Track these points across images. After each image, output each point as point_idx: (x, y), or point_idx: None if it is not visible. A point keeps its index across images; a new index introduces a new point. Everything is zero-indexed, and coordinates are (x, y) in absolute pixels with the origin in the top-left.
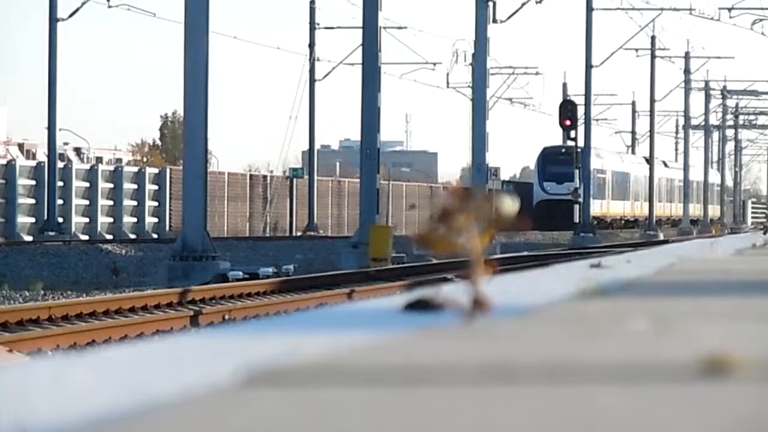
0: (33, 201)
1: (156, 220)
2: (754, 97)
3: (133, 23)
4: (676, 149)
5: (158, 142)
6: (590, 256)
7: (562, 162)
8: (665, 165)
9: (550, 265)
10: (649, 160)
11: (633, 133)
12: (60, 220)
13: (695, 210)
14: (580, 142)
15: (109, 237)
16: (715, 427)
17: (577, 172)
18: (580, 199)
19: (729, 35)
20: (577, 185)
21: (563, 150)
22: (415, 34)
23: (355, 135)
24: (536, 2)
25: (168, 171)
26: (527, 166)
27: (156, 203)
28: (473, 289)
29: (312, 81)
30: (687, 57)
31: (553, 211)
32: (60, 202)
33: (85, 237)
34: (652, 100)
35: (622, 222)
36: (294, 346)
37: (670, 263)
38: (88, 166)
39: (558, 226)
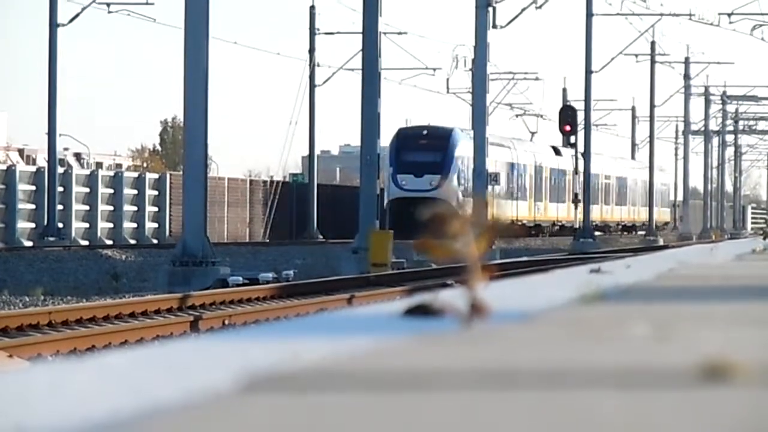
0: (33, 206)
1: (156, 225)
2: (753, 102)
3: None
4: (676, 155)
5: (158, 147)
6: (590, 262)
7: (423, 148)
8: (557, 152)
9: (549, 271)
10: (650, 167)
11: (633, 138)
12: (60, 225)
13: (639, 214)
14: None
15: (109, 242)
16: (715, 431)
17: (444, 161)
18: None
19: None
20: (448, 178)
21: (424, 132)
22: (415, 40)
23: (355, 140)
24: (536, 8)
25: (168, 176)
26: None
27: (156, 208)
28: (472, 294)
29: (312, 86)
30: (687, 62)
31: (412, 214)
32: (60, 207)
33: (85, 242)
34: (652, 106)
35: (556, 228)
36: (294, 352)
37: (669, 268)
38: (88, 172)
39: (418, 233)
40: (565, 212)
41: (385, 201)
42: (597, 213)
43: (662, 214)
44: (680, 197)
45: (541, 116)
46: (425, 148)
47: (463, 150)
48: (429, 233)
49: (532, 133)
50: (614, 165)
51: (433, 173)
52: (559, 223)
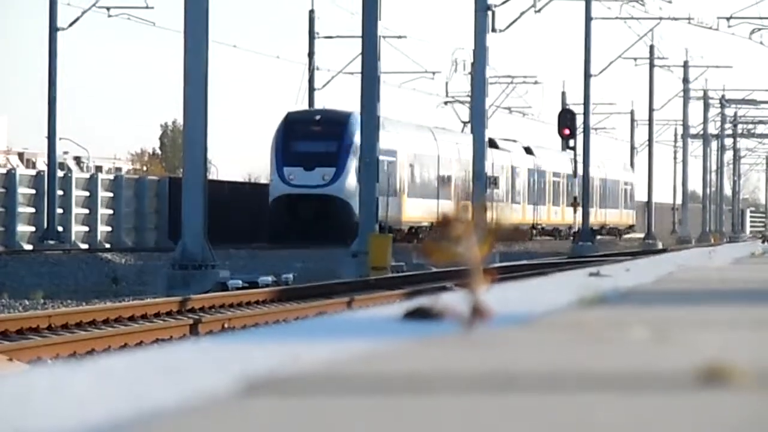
0: (33, 210)
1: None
2: (752, 106)
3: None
4: (675, 158)
5: (158, 151)
6: (589, 265)
7: (315, 136)
8: (528, 152)
9: (549, 274)
10: (649, 171)
11: (632, 142)
12: (60, 229)
13: (594, 216)
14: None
15: (109, 246)
16: None
17: (340, 151)
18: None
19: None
20: (344, 172)
21: (317, 117)
22: (414, 44)
23: None
24: (535, 11)
25: (168, 180)
26: None
27: (156, 212)
28: (472, 297)
29: (311, 90)
30: (686, 66)
31: (300, 214)
32: (60, 211)
33: (85, 246)
34: (651, 109)
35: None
36: (293, 355)
37: (668, 272)
38: (87, 175)
39: (310, 236)
40: (545, 215)
41: (270, 199)
42: (545, 215)
43: (625, 217)
44: (679, 201)
45: (632, 143)
46: (318, 135)
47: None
48: (321, 236)
49: (464, 123)
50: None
51: (327, 166)
52: (539, 226)
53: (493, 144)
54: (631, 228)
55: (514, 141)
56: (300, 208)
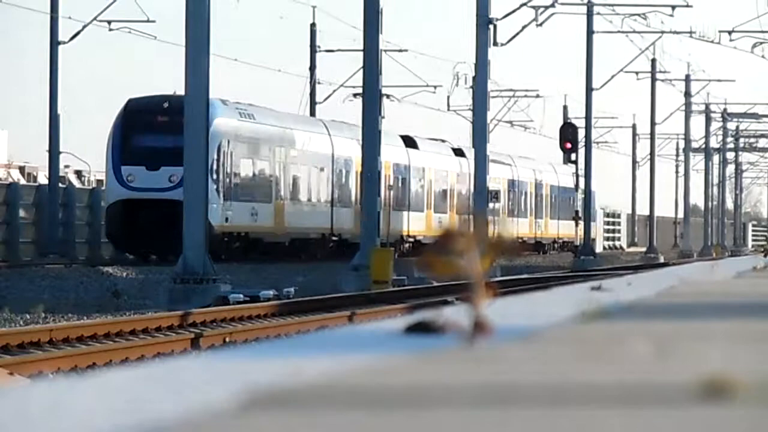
0: (34, 224)
1: None
2: (754, 119)
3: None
4: (677, 172)
5: None
6: (591, 279)
7: (162, 128)
8: (458, 154)
9: (550, 288)
10: (651, 182)
11: (633, 155)
12: (61, 242)
13: (545, 229)
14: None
15: (110, 260)
16: None
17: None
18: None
19: (729, 58)
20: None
21: (165, 105)
22: (415, 57)
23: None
24: (537, 25)
25: None
26: None
27: None
28: (474, 311)
29: (313, 104)
30: (687, 80)
31: (142, 224)
32: (61, 224)
33: (86, 259)
34: (653, 123)
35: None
36: (295, 369)
37: (670, 286)
38: (89, 189)
39: (153, 247)
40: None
41: (106, 204)
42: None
43: (508, 226)
44: (681, 214)
45: (634, 157)
46: (165, 127)
47: (229, 130)
48: (164, 248)
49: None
50: (529, 168)
51: (175, 164)
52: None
53: (410, 143)
54: (592, 242)
55: (443, 141)
56: (141, 216)
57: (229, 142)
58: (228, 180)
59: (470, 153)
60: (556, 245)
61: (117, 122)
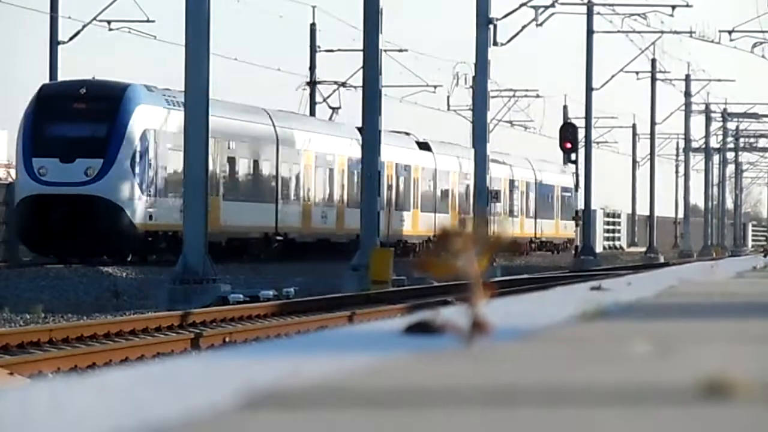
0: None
1: None
2: (754, 119)
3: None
4: (677, 172)
5: None
6: (591, 279)
7: (77, 116)
8: (423, 147)
9: (550, 288)
10: (651, 184)
11: (633, 155)
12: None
13: (520, 228)
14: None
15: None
16: None
17: (112, 136)
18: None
19: (729, 58)
20: (116, 164)
21: (82, 91)
22: (415, 57)
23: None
24: (537, 25)
25: None
26: None
27: None
28: (473, 311)
29: (312, 104)
30: (687, 80)
31: (55, 221)
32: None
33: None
34: (653, 123)
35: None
36: (295, 369)
37: (670, 286)
38: (5, 184)
39: (67, 247)
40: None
41: (16, 200)
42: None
43: (562, 228)
44: (681, 214)
45: (634, 157)
46: (81, 116)
47: (153, 119)
48: (80, 248)
49: (333, 109)
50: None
51: (92, 156)
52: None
53: (424, 146)
54: (570, 242)
55: (407, 134)
56: (54, 213)
57: (154, 132)
58: (153, 174)
59: (437, 147)
60: (533, 245)
61: (28, 110)
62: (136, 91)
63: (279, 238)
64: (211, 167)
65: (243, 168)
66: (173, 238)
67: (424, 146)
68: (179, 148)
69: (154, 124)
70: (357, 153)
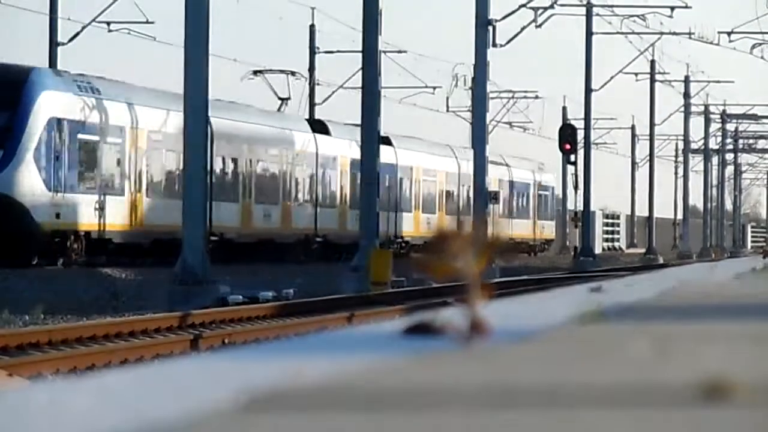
0: None
1: None
2: (753, 121)
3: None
4: (676, 173)
5: None
6: (590, 280)
7: None
8: (384, 142)
9: (549, 289)
10: (650, 186)
11: (633, 157)
12: None
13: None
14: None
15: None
16: None
17: (14, 126)
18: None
19: (728, 59)
20: (17, 157)
21: None
22: (415, 59)
23: None
24: (536, 27)
25: None
26: None
27: None
28: (472, 312)
29: (312, 105)
30: (686, 81)
31: None
32: None
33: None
34: (652, 124)
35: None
36: (294, 370)
37: (669, 287)
38: None
39: None
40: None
41: None
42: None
43: (539, 229)
44: (680, 216)
45: (633, 158)
46: None
47: (63, 107)
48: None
49: (282, 100)
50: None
51: None
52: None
53: (320, 128)
54: (548, 243)
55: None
56: None
57: (62, 121)
58: (61, 167)
59: (399, 141)
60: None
61: None
62: (42, 75)
63: (213, 238)
64: (132, 161)
65: (171, 162)
66: (87, 238)
67: (384, 141)
68: (93, 139)
69: (63, 112)
70: (305, 147)
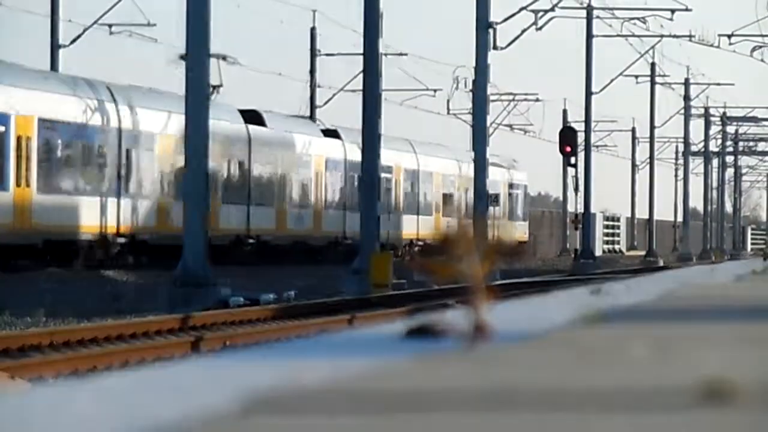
0: None
1: None
2: (753, 123)
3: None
4: (676, 175)
5: None
6: (590, 283)
7: None
8: (329, 134)
9: (550, 292)
10: (650, 188)
11: (633, 159)
12: None
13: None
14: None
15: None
16: None
17: None
18: None
19: (729, 62)
20: None
21: None
22: (415, 61)
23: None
24: (536, 29)
25: None
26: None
27: None
28: (474, 315)
29: (313, 107)
30: (687, 84)
31: None
32: None
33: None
34: (652, 127)
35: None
36: (295, 373)
37: (669, 289)
38: None
39: None
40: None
41: None
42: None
43: (509, 229)
44: (680, 218)
45: (634, 161)
46: None
47: None
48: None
49: (214, 88)
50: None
51: None
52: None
53: (254, 119)
54: (520, 246)
55: (310, 118)
56: None
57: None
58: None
59: (348, 134)
60: (408, 249)
61: None
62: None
63: (121, 240)
64: (15, 152)
65: (72, 153)
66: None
67: (330, 133)
68: None
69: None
70: (234, 139)
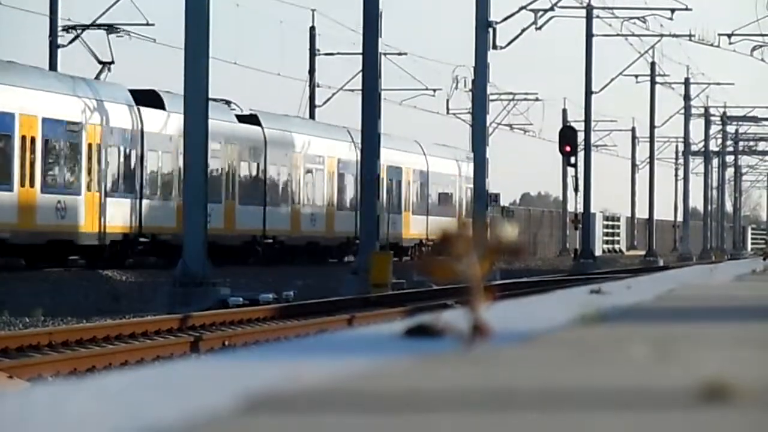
0: None
1: None
2: (753, 123)
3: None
4: (676, 175)
5: None
6: (590, 283)
7: None
8: (248, 120)
9: (549, 292)
10: (650, 188)
11: (633, 159)
12: None
13: (405, 227)
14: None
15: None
16: None
17: None
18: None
19: (729, 61)
20: None
21: None
22: (415, 61)
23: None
24: (536, 29)
25: None
26: (527, 192)
27: None
28: (473, 315)
29: (312, 107)
30: (687, 83)
31: None
32: None
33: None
34: (652, 126)
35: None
36: (294, 372)
37: (669, 289)
38: None
39: None
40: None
41: None
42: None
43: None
44: (680, 218)
45: (634, 160)
46: None
47: None
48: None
49: (103, 64)
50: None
51: None
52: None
53: (150, 101)
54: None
55: (227, 102)
56: None
57: None
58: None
59: (269, 120)
60: (422, 248)
61: None
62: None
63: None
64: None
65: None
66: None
67: (249, 119)
68: None
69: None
70: (121, 123)
